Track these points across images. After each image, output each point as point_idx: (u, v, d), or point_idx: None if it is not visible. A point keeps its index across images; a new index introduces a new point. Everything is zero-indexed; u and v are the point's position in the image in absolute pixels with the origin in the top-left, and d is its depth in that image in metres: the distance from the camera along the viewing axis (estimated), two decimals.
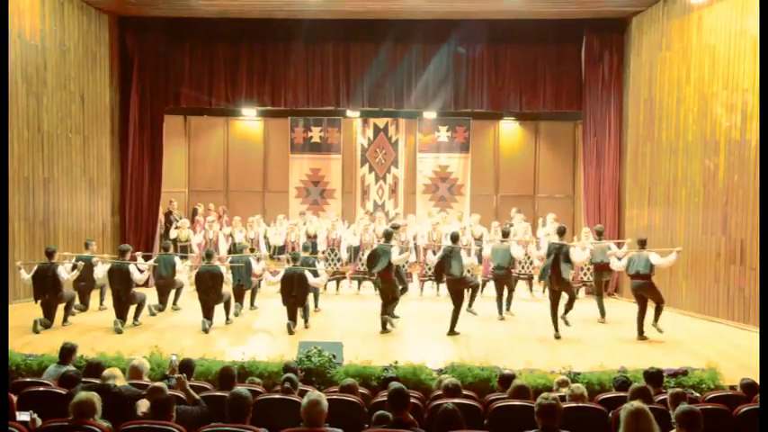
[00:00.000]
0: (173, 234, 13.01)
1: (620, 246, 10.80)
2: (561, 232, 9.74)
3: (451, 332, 9.48)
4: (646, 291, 9.43)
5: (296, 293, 9.54)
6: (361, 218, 13.50)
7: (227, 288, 10.26)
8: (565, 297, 9.67)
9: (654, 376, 6.13)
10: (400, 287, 10.23)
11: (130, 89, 13.13)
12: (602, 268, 10.47)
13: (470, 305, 10.15)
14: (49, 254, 9.65)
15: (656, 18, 11.85)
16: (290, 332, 9.37)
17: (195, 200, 15.32)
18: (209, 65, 13.45)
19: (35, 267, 9.62)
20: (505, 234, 10.82)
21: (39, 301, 9.55)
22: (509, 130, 15.98)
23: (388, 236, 9.91)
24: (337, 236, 12.51)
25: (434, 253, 12.07)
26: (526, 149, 15.91)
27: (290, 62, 13.38)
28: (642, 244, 9.65)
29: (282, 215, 13.49)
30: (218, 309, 9.91)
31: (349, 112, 14.84)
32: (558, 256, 9.37)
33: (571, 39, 13.13)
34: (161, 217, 13.72)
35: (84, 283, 10.27)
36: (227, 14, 12.80)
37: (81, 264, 9.95)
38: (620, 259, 9.92)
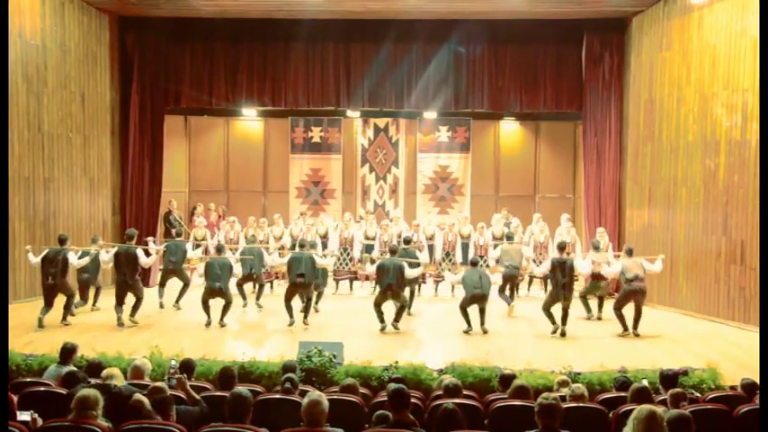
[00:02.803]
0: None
1: (618, 257, 10.84)
2: (562, 248, 9.82)
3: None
4: (641, 293, 9.53)
5: (303, 272, 9.50)
6: (371, 217, 13.45)
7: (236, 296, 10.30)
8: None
9: (668, 378, 6.14)
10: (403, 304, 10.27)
11: (131, 89, 13.12)
12: (598, 278, 10.46)
13: None
14: (62, 241, 9.79)
15: (657, 18, 11.85)
16: (291, 320, 9.55)
17: (195, 200, 15.32)
18: (210, 65, 13.44)
19: (45, 251, 9.70)
20: (510, 237, 10.98)
21: (42, 284, 9.60)
22: (509, 130, 15.98)
23: (394, 251, 9.97)
24: (350, 235, 12.52)
25: (448, 254, 12.19)
26: (526, 149, 15.91)
27: (290, 62, 13.37)
28: (630, 253, 9.78)
29: (297, 215, 13.45)
30: (219, 309, 9.91)
31: (349, 112, 14.83)
32: (564, 271, 9.42)
33: (571, 39, 13.12)
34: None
35: (87, 275, 10.45)
36: (227, 14, 12.79)
37: (92, 251, 10.20)
38: (609, 264, 10.00)
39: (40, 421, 4.62)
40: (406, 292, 10.30)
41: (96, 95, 12.63)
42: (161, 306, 10.90)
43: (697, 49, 11.10)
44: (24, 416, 4.61)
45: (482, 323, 9.62)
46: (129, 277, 9.71)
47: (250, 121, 15.97)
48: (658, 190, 11.88)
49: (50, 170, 11.64)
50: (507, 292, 11.07)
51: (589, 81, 13.05)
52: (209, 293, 9.75)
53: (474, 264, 9.94)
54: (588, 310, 10.63)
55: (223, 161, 16.09)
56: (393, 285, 9.57)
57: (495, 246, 11.98)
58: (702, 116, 11.00)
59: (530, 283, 12.62)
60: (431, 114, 14.59)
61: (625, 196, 12.68)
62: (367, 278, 12.71)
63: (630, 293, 9.55)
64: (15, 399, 4.89)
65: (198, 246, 12.08)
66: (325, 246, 12.13)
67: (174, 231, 11.83)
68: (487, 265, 11.60)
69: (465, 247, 12.31)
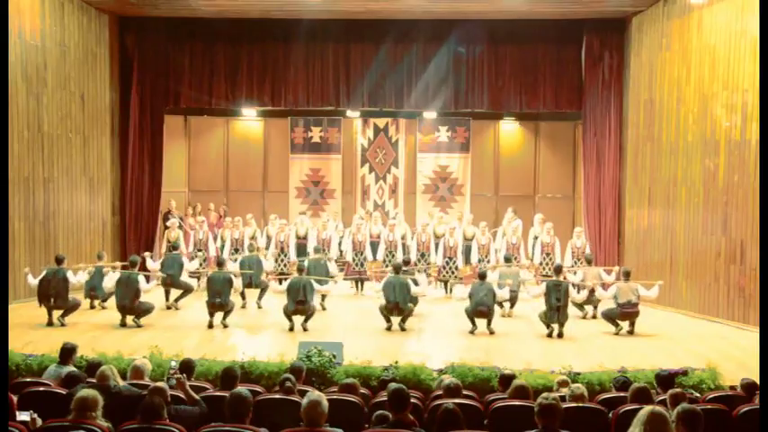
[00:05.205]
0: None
1: (609, 272, 10.84)
2: (558, 270, 9.82)
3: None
4: (634, 315, 9.59)
5: (303, 299, 9.54)
6: (361, 218, 13.46)
7: (235, 296, 10.29)
8: None
9: (665, 380, 6.15)
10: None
11: (130, 89, 13.11)
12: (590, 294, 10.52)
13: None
14: (59, 260, 9.83)
15: (656, 18, 11.85)
16: (290, 324, 9.58)
17: (195, 200, 15.31)
18: (210, 65, 13.43)
19: (44, 272, 9.71)
20: (508, 259, 11.14)
21: (43, 305, 9.62)
22: (509, 130, 15.96)
23: (398, 269, 9.97)
24: (327, 236, 12.51)
25: (423, 255, 12.10)
26: (526, 149, 15.89)
27: (290, 62, 13.36)
28: (627, 276, 9.79)
29: (275, 215, 13.37)
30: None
31: (349, 112, 14.82)
32: (559, 294, 9.41)
33: (571, 39, 13.12)
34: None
35: (95, 292, 10.55)
36: (227, 14, 12.79)
37: (92, 269, 10.30)
38: (605, 288, 10.04)
39: (39, 421, 4.62)
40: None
41: (96, 95, 12.62)
42: (167, 308, 10.90)
43: (697, 49, 11.10)
44: (24, 416, 4.61)
45: (488, 324, 9.64)
46: (129, 303, 9.67)
47: (250, 121, 15.96)
48: (658, 190, 11.88)
49: (50, 170, 11.63)
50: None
51: (589, 81, 13.05)
52: (212, 307, 9.75)
53: (482, 277, 9.87)
54: (581, 309, 10.66)
55: (223, 161, 16.08)
56: (399, 303, 9.62)
57: (467, 247, 12.05)
58: (702, 116, 11.00)
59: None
60: (431, 114, 14.59)
61: (625, 196, 12.68)
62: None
63: (621, 315, 9.64)
64: (15, 399, 4.90)
65: (174, 248, 11.85)
66: (304, 246, 12.09)
67: (171, 245, 11.76)
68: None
69: (437, 248, 12.23)
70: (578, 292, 10.22)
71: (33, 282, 9.70)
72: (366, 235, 12.34)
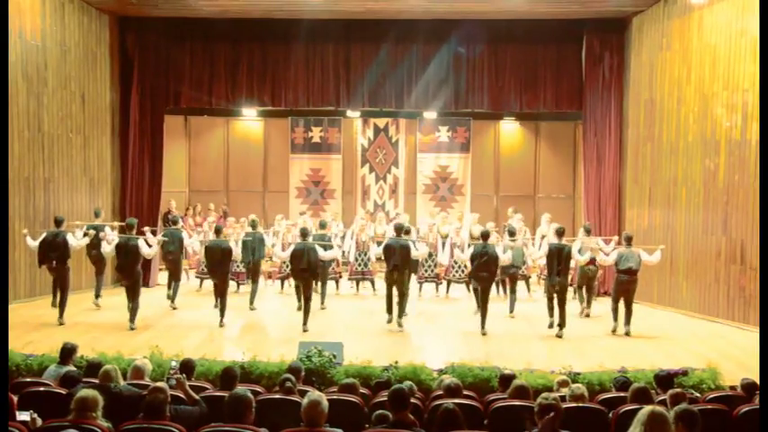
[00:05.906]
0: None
1: (607, 242, 10.86)
2: (560, 233, 9.80)
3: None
4: (633, 286, 9.57)
5: (306, 267, 9.51)
6: (362, 218, 13.47)
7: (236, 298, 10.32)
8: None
9: (664, 380, 6.15)
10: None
11: (131, 89, 13.11)
12: (588, 263, 10.54)
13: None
14: (58, 222, 9.81)
15: (657, 18, 11.85)
16: (300, 308, 9.74)
17: (195, 200, 15.32)
18: (210, 65, 13.43)
19: (43, 234, 9.73)
20: (512, 233, 10.97)
21: (43, 266, 9.67)
22: (509, 130, 15.97)
23: (399, 230, 9.94)
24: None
25: (430, 254, 12.02)
26: (526, 149, 15.91)
27: (290, 62, 13.36)
28: (629, 241, 9.75)
29: (281, 215, 13.39)
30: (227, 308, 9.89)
31: (349, 113, 14.83)
32: (561, 257, 9.41)
33: (571, 39, 13.11)
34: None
35: (96, 251, 10.53)
36: (228, 14, 12.80)
37: (92, 232, 10.25)
38: (607, 254, 10.03)
39: (39, 421, 4.62)
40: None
41: (96, 95, 12.62)
42: (173, 308, 10.86)
43: (697, 49, 11.10)
44: (24, 416, 4.61)
45: (482, 306, 9.60)
46: (127, 268, 9.49)
47: (250, 121, 15.97)
48: (658, 190, 11.88)
49: (50, 170, 11.63)
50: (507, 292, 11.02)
51: (589, 81, 13.04)
52: (212, 274, 9.78)
53: (485, 237, 9.84)
54: (581, 301, 10.76)
55: (223, 161, 16.09)
56: (399, 266, 9.57)
57: (470, 245, 12.01)
58: (702, 116, 11.00)
59: (527, 283, 12.48)
60: (431, 114, 14.59)
61: (625, 196, 12.68)
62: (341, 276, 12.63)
63: (620, 285, 9.60)
64: (15, 399, 4.89)
65: (173, 222, 11.73)
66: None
67: (171, 220, 11.75)
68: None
69: (444, 248, 12.20)
70: (581, 255, 10.13)
71: (32, 244, 9.72)
72: (369, 235, 12.32)
